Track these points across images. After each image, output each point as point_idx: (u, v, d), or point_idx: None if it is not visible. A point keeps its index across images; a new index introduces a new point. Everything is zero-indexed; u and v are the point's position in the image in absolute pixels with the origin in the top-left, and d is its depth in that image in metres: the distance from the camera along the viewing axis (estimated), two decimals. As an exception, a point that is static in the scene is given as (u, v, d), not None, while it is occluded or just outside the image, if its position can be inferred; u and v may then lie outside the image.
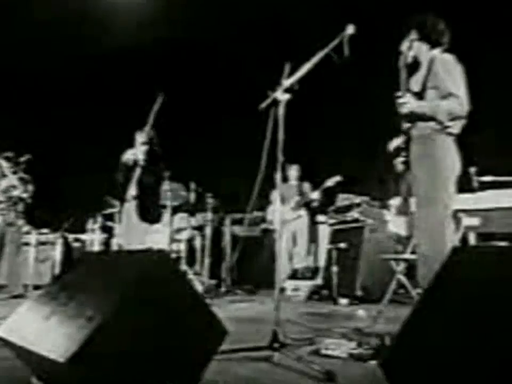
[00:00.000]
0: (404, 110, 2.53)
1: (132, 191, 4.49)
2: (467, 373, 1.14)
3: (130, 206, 4.49)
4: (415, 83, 2.61)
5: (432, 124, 2.47)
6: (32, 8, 6.55)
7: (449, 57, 2.52)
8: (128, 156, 4.52)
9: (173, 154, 4.55)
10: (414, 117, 2.54)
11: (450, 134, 2.48)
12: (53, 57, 7.05)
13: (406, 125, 2.61)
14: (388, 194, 5.09)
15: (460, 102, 2.42)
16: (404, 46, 2.68)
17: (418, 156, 2.53)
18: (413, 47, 2.65)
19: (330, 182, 5.72)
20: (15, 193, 5.19)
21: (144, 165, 4.50)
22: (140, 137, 4.55)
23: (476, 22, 4.80)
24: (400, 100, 2.54)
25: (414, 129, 2.58)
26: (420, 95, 2.55)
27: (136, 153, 4.51)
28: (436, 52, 2.61)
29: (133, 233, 4.45)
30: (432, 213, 2.40)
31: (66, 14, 6.46)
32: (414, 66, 2.67)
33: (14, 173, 5.26)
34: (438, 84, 2.47)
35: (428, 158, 2.47)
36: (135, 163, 4.50)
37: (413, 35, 2.64)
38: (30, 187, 5.34)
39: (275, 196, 5.85)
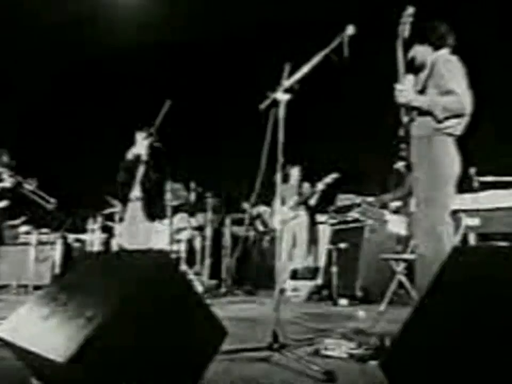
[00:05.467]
0: (401, 99, 2.51)
1: (136, 191, 4.47)
2: (467, 374, 1.14)
3: (135, 206, 4.47)
4: (418, 83, 2.59)
5: (432, 123, 2.45)
6: (32, 9, 6.55)
7: (451, 57, 2.53)
8: (132, 152, 4.54)
9: (173, 154, 4.54)
10: (411, 109, 2.52)
11: (451, 134, 2.47)
12: (54, 59, 7.06)
13: (405, 119, 2.57)
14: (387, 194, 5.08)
15: (459, 100, 2.40)
16: (401, 27, 2.59)
17: (418, 157, 2.52)
18: (414, 50, 2.62)
19: (328, 179, 5.72)
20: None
21: (147, 159, 4.49)
22: (140, 135, 4.57)
23: (477, 24, 4.80)
24: (398, 87, 2.51)
25: (414, 128, 2.55)
26: (421, 93, 2.53)
27: (139, 148, 4.52)
28: (441, 53, 2.58)
29: (137, 233, 4.44)
30: (431, 213, 2.39)
31: (67, 16, 6.48)
32: (419, 68, 2.64)
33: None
34: (439, 82, 2.46)
35: (427, 159, 2.46)
36: (138, 160, 4.50)
37: (409, 10, 2.55)
38: (29, 186, 5.22)
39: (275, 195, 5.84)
